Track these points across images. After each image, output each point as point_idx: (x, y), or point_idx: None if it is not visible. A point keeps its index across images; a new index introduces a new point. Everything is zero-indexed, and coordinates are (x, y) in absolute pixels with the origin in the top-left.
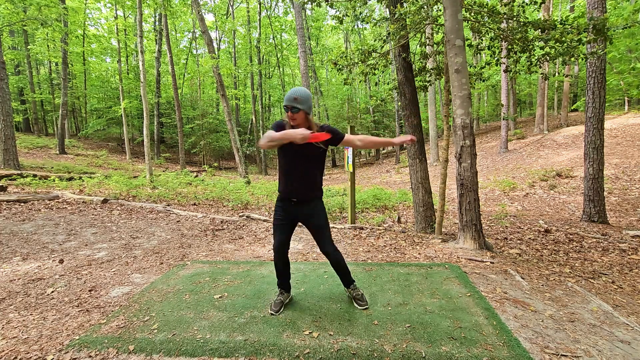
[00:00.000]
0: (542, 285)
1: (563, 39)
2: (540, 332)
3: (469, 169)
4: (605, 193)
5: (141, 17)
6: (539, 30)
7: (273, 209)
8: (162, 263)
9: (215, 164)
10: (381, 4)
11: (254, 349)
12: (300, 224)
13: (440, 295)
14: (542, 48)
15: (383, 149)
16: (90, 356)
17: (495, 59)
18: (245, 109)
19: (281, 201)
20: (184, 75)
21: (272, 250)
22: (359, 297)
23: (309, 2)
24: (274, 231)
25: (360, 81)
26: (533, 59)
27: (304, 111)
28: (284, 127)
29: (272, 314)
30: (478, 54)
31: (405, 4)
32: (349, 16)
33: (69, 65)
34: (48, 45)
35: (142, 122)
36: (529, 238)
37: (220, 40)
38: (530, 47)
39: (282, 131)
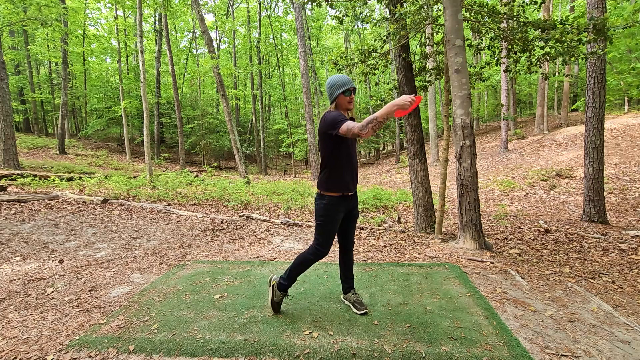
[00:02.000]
0: (542, 285)
1: (563, 38)
2: (540, 332)
3: (469, 169)
4: (605, 193)
5: (141, 17)
6: (539, 30)
7: (273, 209)
8: (162, 263)
9: (215, 164)
10: (381, 4)
11: (254, 349)
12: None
13: (440, 295)
14: (542, 48)
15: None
16: (90, 356)
17: (495, 59)
18: (245, 109)
19: (342, 199)
20: (184, 75)
21: (272, 251)
22: (359, 302)
23: (309, 2)
24: (329, 235)
25: (360, 81)
26: (533, 59)
27: None
28: (344, 117)
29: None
30: (478, 54)
31: (405, 4)
32: (349, 16)
33: (69, 65)
34: (48, 45)
35: (142, 122)
36: (529, 238)
37: (220, 40)
38: (530, 47)
39: (388, 105)
